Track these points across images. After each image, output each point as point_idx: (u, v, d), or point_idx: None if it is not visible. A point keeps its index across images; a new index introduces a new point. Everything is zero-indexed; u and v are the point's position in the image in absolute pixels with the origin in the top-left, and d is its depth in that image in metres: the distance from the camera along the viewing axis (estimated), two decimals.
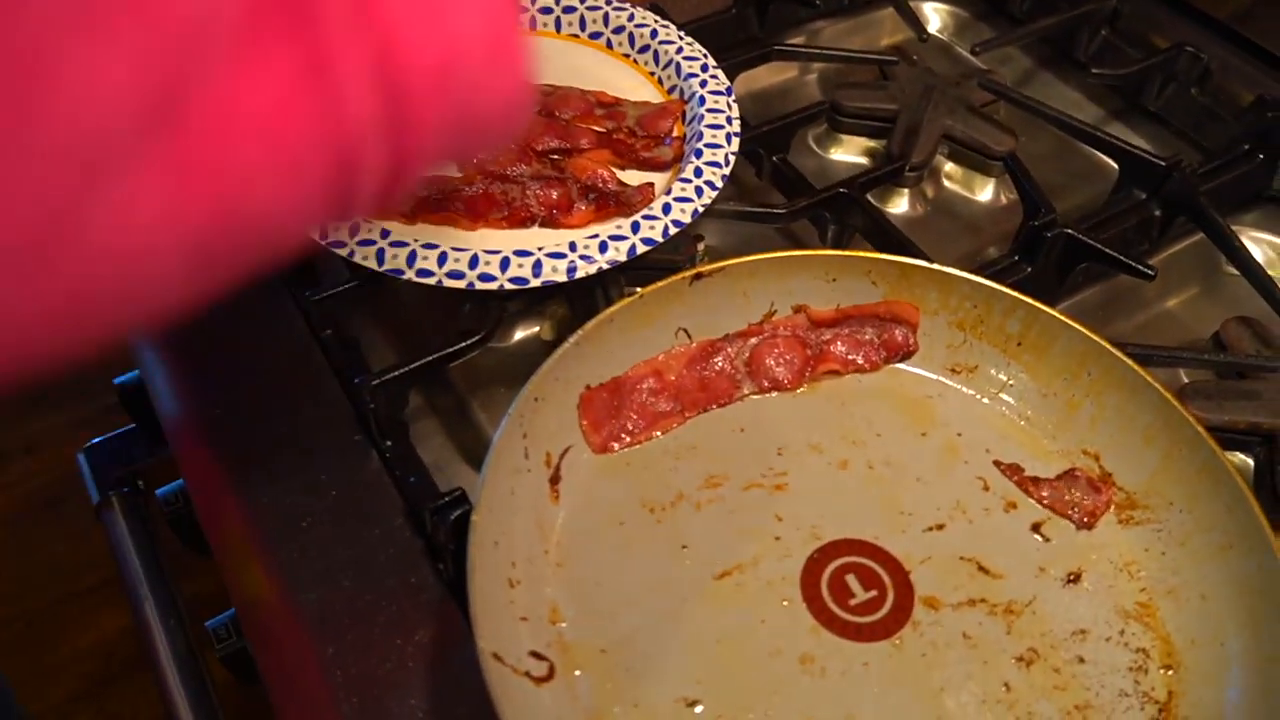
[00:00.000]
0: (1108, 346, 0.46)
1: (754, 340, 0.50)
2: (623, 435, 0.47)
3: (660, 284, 0.47)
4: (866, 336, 0.50)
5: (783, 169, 0.64)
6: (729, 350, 0.49)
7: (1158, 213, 0.62)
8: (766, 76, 0.75)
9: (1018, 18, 0.78)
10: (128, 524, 0.62)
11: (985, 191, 0.68)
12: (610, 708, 0.39)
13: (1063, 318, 0.47)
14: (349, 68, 0.24)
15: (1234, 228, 0.66)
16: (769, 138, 0.64)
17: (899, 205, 0.68)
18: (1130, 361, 0.45)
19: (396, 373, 0.49)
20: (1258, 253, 0.66)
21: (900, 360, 0.50)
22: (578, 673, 0.40)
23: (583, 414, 0.46)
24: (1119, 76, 0.71)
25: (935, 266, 0.49)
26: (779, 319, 0.50)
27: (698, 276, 0.48)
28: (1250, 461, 0.54)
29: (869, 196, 0.61)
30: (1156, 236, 0.63)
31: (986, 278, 0.48)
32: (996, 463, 0.47)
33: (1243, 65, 0.71)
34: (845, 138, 0.71)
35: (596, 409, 0.47)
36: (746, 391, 0.49)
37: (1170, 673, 0.41)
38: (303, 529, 0.46)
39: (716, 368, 0.49)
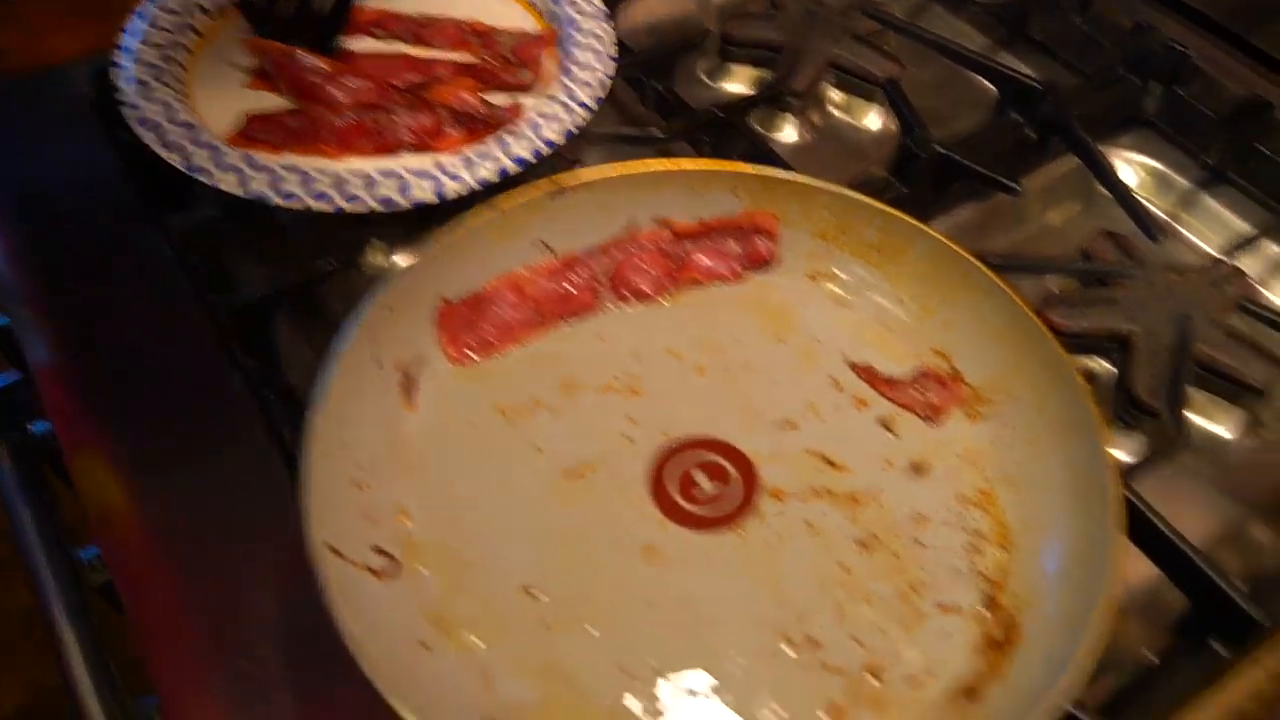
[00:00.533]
0: (960, 251, 0.47)
1: (616, 253, 0.50)
2: (481, 348, 0.47)
3: (519, 197, 0.48)
4: (729, 247, 0.51)
5: (666, 96, 0.64)
6: (591, 263, 0.50)
7: (1033, 134, 0.63)
8: (661, 9, 0.76)
9: None
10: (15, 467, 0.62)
11: (871, 119, 0.69)
12: (453, 599, 0.40)
13: (918, 224, 0.48)
14: None
15: (1109, 150, 0.68)
16: (652, 64, 0.64)
17: (786, 133, 0.69)
18: (980, 264, 0.46)
19: (258, 295, 0.49)
20: (1130, 173, 0.67)
21: (762, 270, 0.51)
22: (423, 570, 0.40)
23: (440, 327, 0.47)
24: (1002, 5, 0.72)
25: (796, 178, 0.49)
26: (641, 232, 0.50)
27: (558, 190, 0.48)
28: (1111, 367, 0.55)
29: (752, 123, 0.62)
30: (1034, 157, 0.64)
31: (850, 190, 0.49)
32: (851, 364, 0.48)
33: None
34: (736, 68, 0.71)
35: (454, 322, 0.47)
36: (608, 303, 0.50)
37: (1004, 553, 0.42)
38: (165, 452, 0.46)
39: (578, 280, 0.49)
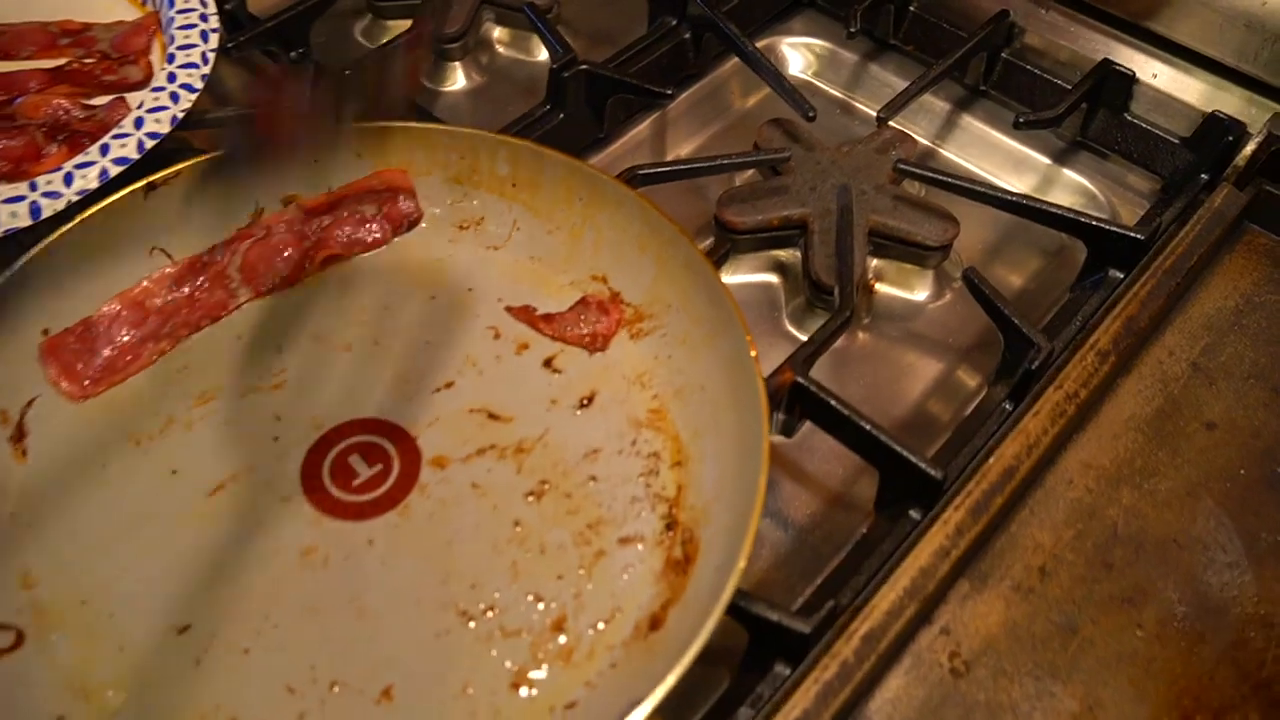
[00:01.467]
0: (589, 168, 0.45)
1: (246, 244, 0.46)
2: (102, 377, 0.43)
3: (107, 200, 0.43)
4: (368, 213, 0.48)
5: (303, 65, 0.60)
6: (219, 260, 0.46)
7: (687, 36, 0.62)
8: None
9: None
10: None
11: (541, 52, 0.67)
12: (92, 659, 0.36)
13: (540, 148, 0.46)
14: None
15: (778, 38, 0.67)
16: (282, 33, 0.60)
17: (457, 81, 0.65)
18: (607, 176, 0.45)
19: None
20: (798, 58, 0.67)
21: (408, 230, 0.48)
22: (55, 635, 0.36)
23: (48, 363, 0.42)
24: None
25: (409, 125, 0.47)
26: (268, 216, 0.47)
27: (150, 186, 0.44)
28: (798, 254, 0.55)
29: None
30: (695, 57, 0.63)
31: (489, 130, 0.47)
32: (508, 308, 0.46)
33: None
34: (393, 24, 0.67)
35: (65, 355, 0.42)
36: (244, 299, 0.46)
37: (679, 468, 0.41)
38: None
39: (205, 282, 0.45)
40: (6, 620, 0.36)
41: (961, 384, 0.52)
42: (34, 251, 0.41)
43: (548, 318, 0.45)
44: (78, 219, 0.42)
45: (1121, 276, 0.52)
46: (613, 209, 0.45)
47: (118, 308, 0.44)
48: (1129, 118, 0.60)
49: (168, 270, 0.45)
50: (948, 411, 0.50)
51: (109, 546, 0.38)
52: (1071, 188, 0.60)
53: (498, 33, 0.68)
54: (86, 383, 0.43)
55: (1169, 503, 0.46)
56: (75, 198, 0.47)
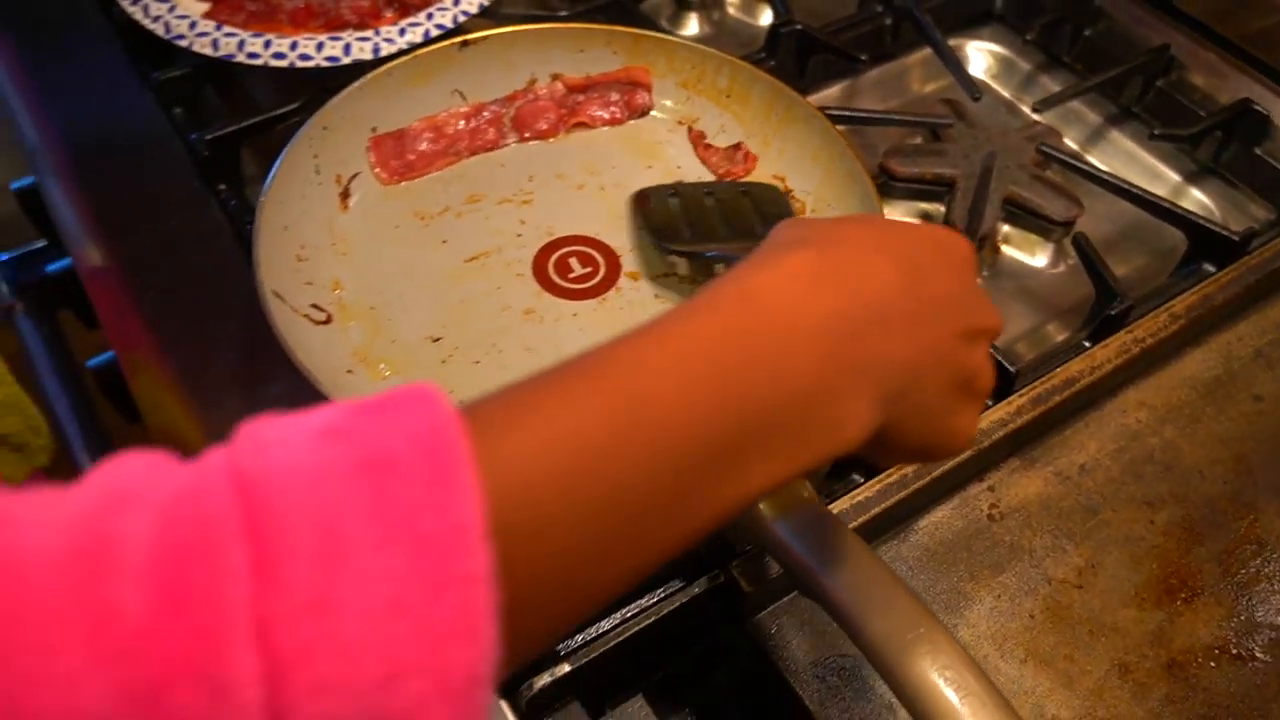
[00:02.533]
0: (789, 91, 0.58)
1: (519, 102, 0.61)
2: (405, 171, 0.58)
3: (433, 47, 0.59)
4: (613, 98, 0.62)
5: None
6: (498, 109, 0.61)
7: (889, 22, 0.74)
8: None
9: None
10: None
11: (765, 16, 0.80)
12: (373, 343, 0.51)
13: (758, 70, 0.59)
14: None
15: (966, 40, 0.79)
16: None
17: (690, 27, 0.80)
18: (803, 99, 0.58)
19: (225, 130, 0.60)
20: (980, 59, 0.78)
21: (640, 116, 0.62)
22: (351, 323, 0.52)
23: (372, 152, 0.58)
24: None
25: (660, 35, 0.61)
26: (540, 86, 0.62)
27: (464, 43, 0.59)
28: (942, 209, 0.66)
29: (643, 10, 0.73)
30: (891, 41, 0.75)
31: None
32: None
33: None
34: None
35: (384, 150, 0.58)
36: (510, 141, 0.61)
37: None
38: (154, 259, 0.58)
39: (486, 122, 0.60)
40: (323, 306, 0.52)
41: (1051, 335, 0.62)
42: (375, 73, 0.57)
43: None
44: (410, 56, 0.58)
45: (1213, 270, 0.61)
46: (801, 125, 0.58)
47: (423, 126, 0.59)
48: (1259, 153, 0.68)
49: (461, 109, 0.60)
50: (1033, 351, 0.61)
51: (394, 277, 0.54)
52: (1195, 203, 0.69)
53: None
54: (393, 173, 0.58)
55: (1204, 444, 0.55)
56: (405, 46, 0.63)
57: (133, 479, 0.23)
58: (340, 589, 0.21)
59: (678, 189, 0.56)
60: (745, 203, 0.55)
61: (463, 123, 0.60)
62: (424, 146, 0.59)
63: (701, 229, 0.54)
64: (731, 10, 0.81)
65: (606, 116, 0.62)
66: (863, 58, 0.69)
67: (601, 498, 0.26)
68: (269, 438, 0.24)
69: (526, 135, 0.61)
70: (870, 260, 0.32)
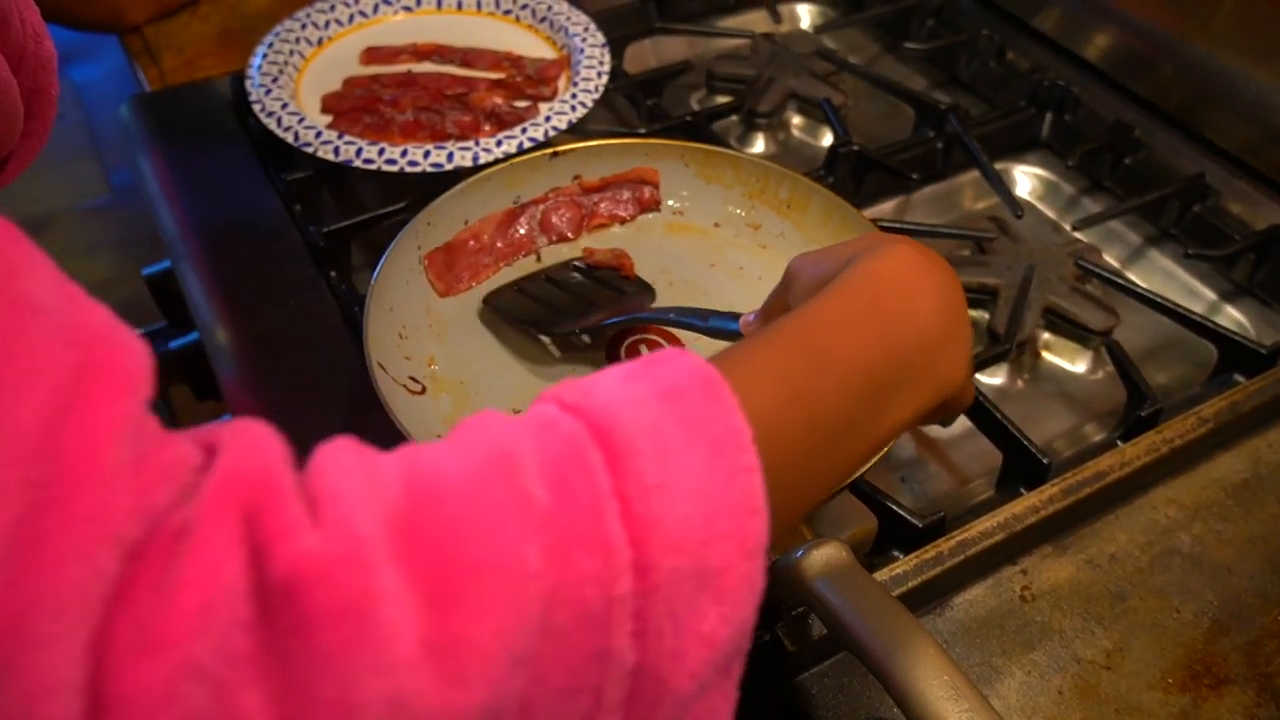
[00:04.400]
0: (845, 202, 0.65)
1: (542, 206, 0.68)
2: (454, 283, 0.65)
3: (525, 156, 0.66)
4: (624, 196, 0.69)
5: (653, 109, 0.83)
6: (526, 215, 0.68)
7: (940, 146, 0.81)
8: (664, 53, 0.95)
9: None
10: None
11: (826, 138, 0.87)
12: (460, 413, 0.57)
13: (815, 183, 0.66)
14: None
15: (1012, 165, 0.85)
16: (644, 85, 0.83)
17: (757, 146, 0.87)
18: (855, 209, 0.64)
19: (339, 225, 0.68)
20: (1025, 181, 0.84)
21: (649, 211, 0.69)
22: (443, 394, 0.58)
23: (429, 270, 0.65)
24: (935, 50, 0.90)
25: (728, 151, 0.68)
26: (561, 188, 0.68)
27: (554, 154, 0.67)
28: (985, 315, 0.71)
29: (716, 130, 0.80)
30: (942, 163, 0.81)
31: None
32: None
33: (1028, 45, 0.90)
34: (719, 97, 0.90)
35: (436, 264, 0.65)
36: (540, 245, 0.68)
37: None
38: (272, 335, 0.65)
39: (520, 230, 0.67)
40: (419, 379, 0.58)
41: (1088, 435, 0.66)
42: (475, 177, 0.65)
43: None
44: (505, 164, 0.66)
45: (1243, 380, 0.65)
46: (854, 234, 0.64)
47: (466, 236, 0.66)
48: None
49: (494, 215, 0.67)
50: (1069, 449, 0.65)
51: (481, 356, 0.60)
52: (1230, 319, 0.73)
53: (796, 119, 0.89)
54: (449, 285, 0.65)
55: (1231, 542, 0.58)
56: (501, 156, 0.71)
57: (489, 422, 0.32)
58: (672, 475, 0.30)
59: (518, 284, 0.63)
60: (576, 277, 0.64)
61: (497, 230, 0.67)
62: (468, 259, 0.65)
63: (567, 309, 0.61)
64: (795, 132, 0.88)
65: (620, 214, 0.68)
66: (915, 176, 0.75)
67: (805, 421, 0.36)
68: (585, 386, 0.32)
69: (554, 238, 0.68)
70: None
